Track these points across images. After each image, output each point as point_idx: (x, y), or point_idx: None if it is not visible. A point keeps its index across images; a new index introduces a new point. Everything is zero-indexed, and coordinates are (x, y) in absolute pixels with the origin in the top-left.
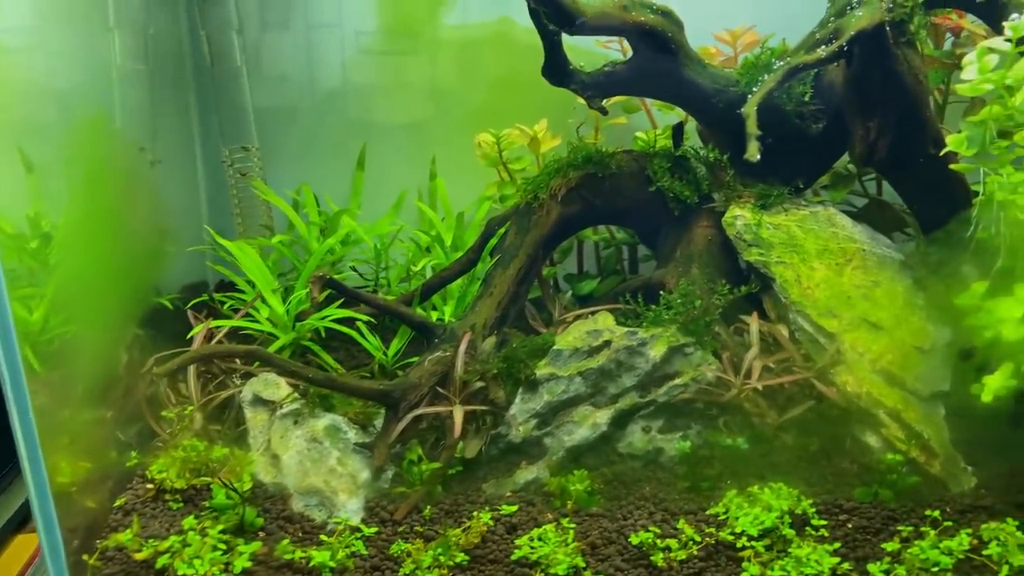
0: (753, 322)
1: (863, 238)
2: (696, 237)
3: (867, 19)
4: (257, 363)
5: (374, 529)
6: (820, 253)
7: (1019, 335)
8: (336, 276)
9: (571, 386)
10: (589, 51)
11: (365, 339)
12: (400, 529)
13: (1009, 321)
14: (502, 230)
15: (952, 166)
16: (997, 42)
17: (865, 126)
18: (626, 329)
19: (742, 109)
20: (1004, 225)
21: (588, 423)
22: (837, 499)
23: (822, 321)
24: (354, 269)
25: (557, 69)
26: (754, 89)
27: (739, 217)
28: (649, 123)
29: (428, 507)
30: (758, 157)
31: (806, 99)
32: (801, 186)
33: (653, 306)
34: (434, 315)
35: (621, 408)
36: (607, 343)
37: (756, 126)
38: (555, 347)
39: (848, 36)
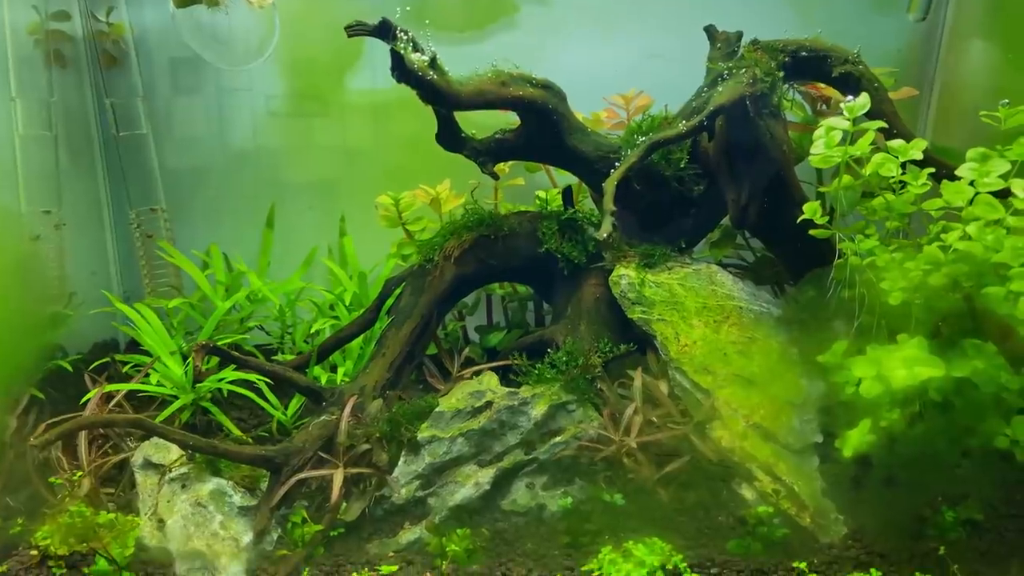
0: (637, 378)
1: (742, 295)
2: (585, 295)
3: (727, 95)
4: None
5: None
6: (699, 311)
7: (874, 392)
8: (243, 335)
9: (453, 447)
10: None
11: (264, 399)
12: None
13: (865, 379)
14: (398, 290)
15: (811, 231)
16: (837, 120)
17: (736, 192)
18: (508, 389)
19: (604, 184)
20: (860, 287)
21: (471, 482)
22: (711, 553)
23: (698, 377)
24: (261, 328)
25: (450, 137)
26: (616, 164)
27: (624, 276)
28: (550, 182)
29: (306, 569)
30: (605, 235)
31: (682, 165)
32: (684, 245)
33: (538, 364)
34: (339, 373)
35: (504, 467)
36: (489, 403)
37: (613, 202)
38: (437, 409)
39: (707, 112)
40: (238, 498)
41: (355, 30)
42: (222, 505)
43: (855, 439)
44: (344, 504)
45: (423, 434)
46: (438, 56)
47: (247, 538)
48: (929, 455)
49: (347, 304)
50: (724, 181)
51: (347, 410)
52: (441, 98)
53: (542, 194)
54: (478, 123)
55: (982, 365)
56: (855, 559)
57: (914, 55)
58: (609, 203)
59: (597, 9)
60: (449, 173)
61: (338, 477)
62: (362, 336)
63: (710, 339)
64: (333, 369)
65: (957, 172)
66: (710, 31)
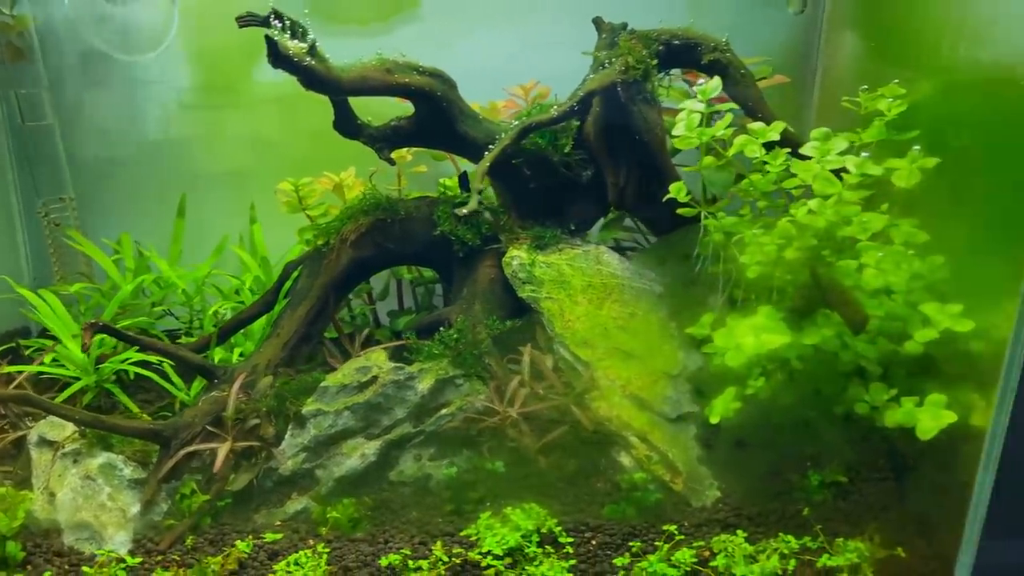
0: (526, 353)
1: (626, 274)
2: (480, 276)
3: (598, 81)
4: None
5: (138, 560)
6: (584, 289)
7: (738, 361)
8: (152, 320)
9: (339, 420)
10: None
11: (167, 380)
12: (158, 559)
13: (728, 349)
14: (296, 273)
15: (679, 211)
16: (693, 104)
17: (615, 174)
18: (394, 365)
19: (477, 166)
20: (723, 262)
21: (357, 454)
22: (586, 517)
23: (579, 351)
24: (170, 313)
25: (346, 124)
26: (490, 147)
27: (515, 257)
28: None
29: (191, 537)
30: (465, 212)
31: (566, 151)
32: (573, 228)
33: (427, 342)
34: (235, 353)
35: (391, 439)
36: (375, 378)
37: (480, 181)
38: (322, 384)
39: (577, 97)
40: (128, 471)
41: (246, 21)
42: (112, 478)
43: (720, 406)
44: (233, 476)
45: (308, 408)
46: (318, 43)
47: (135, 509)
48: (799, 422)
49: (250, 289)
50: (604, 164)
51: (236, 386)
52: (321, 84)
53: (445, 181)
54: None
55: (830, 333)
56: (723, 521)
57: (798, 46)
58: (477, 183)
59: (498, 5)
60: (355, 161)
61: (223, 449)
62: (266, 318)
63: (593, 315)
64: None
65: (802, 151)
66: (597, 22)
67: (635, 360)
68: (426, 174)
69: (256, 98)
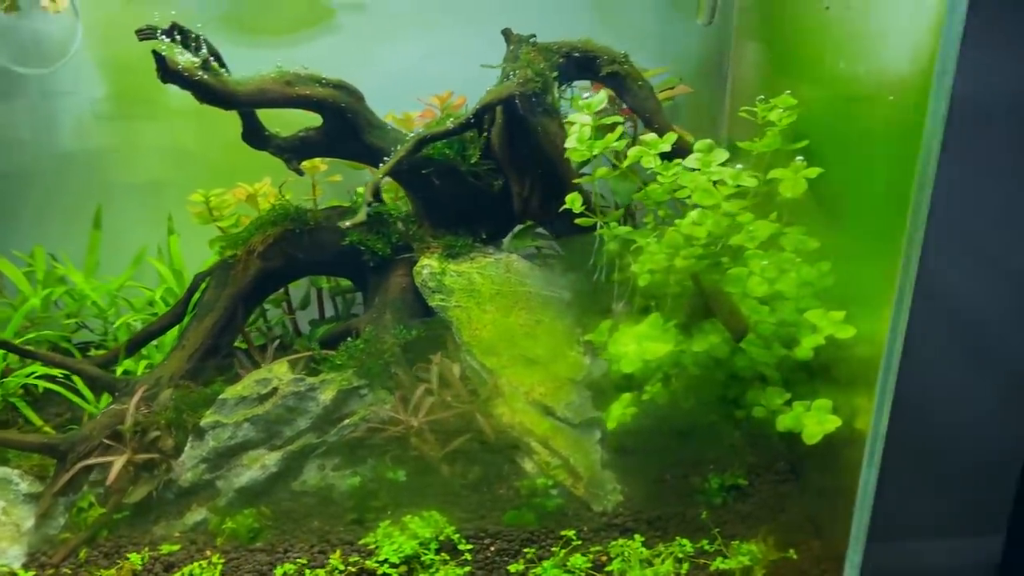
0: (435, 362)
1: (535, 282)
2: (392, 285)
3: (495, 94)
4: None
5: (31, 573)
6: (493, 297)
7: (633, 368)
8: (70, 332)
9: (239, 432)
10: None
11: (76, 394)
12: (50, 572)
13: (624, 356)
14: (204, 284)
15: (576, 221)
16: (581, 116)
17: (519, 184)
18: (294, 376)
19: (370, 178)
20: (618, 271)
21: (257, 465)
22: (486, 524)
23: (485, 359)
24: (85, 326)
25: (254, 135)
26: (385, 159)
27: (426, 266)
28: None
29: (84, 550)
30: (348, 224)
31: (472, 161)
32: (484, 237)
33: (331, 352)
34: (140, 365)
35: (293, 450)
36: (275, 390)
37: (372, 195)
38: (221, 396)
39: (474, 109)
40: (24, 486)
41: (145, 34)
42: (7, 492)
43: (616, 412)
44: (131, 488)
45: (207, 420)
46: (222, 56)
47: (29, 523)
48: (702, 426)
49: (163, 300)
50: (509, 175)
51: (135, 399)
52: (216, 98)
53: (359, 190)
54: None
55: (717, 340)
56: (622, 526)
57: (710, 56)
58: (368, 195)
59: (415, 13)
60: (275, 171)
61: (119, 462)
62: (177, 329)
63: (500, 323)
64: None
65: (685, 162)
66: (506, 33)
67: (539, 367)
68: (342, 184)
69: (173, 108)
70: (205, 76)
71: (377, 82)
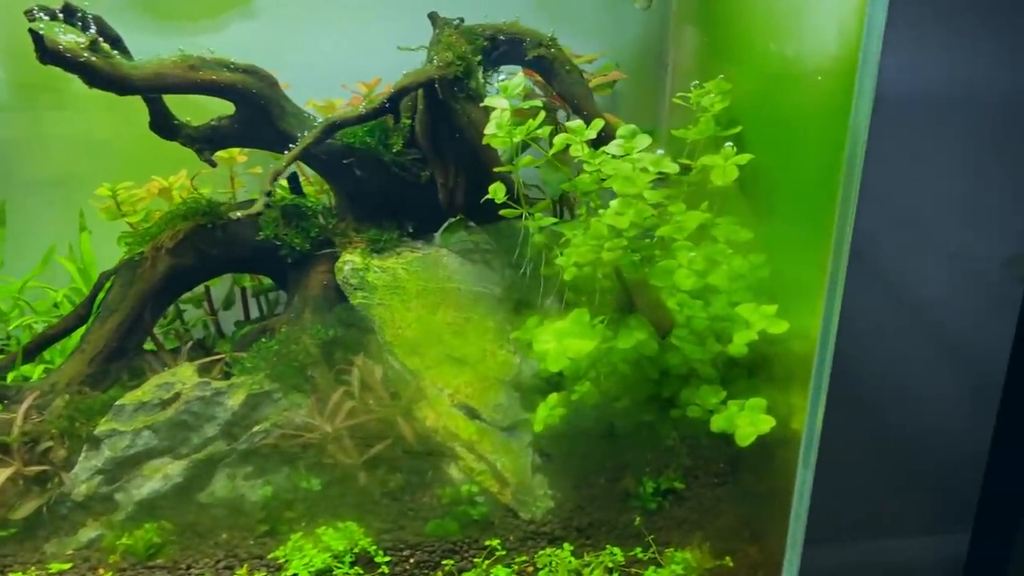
0: (356, 364)
1: (465, 277)
2: (312, 283)
3: (411, 77)
4: None
5: None
6: (419, 294)
7: (560, 366)
8: None
9: (138, 440)
10: None
11: None
12: None
13: (550, 354)
14: (108, 283)
15: (501, 212)
16: (498, 101)
17: (443, 174)
18: (200, 380)
19: (273, 167)
20: (545, 265)
21: (159, 475)
22: (406, 535)
23: (407, 359)
24: None
25: (163, 124)
26: (290, 146)
27: (348, 262)
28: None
29: None
30: (239, 215)
31: (394, 150)
32: (412, 230)
33: (243, 354)
34: (36, 371)
35: (199, 458)
36: (178, 395)
37: (271, 183)
38: (118, 402)
39: (388, 94)
40: None
41: (32, 15)
42: None
43: (543, 413)
44: (18, 503)
45: (102, 428)
46: (109, 42)
47: None
48: (638, 426)
49: (66, 301)
50: (433, 165)
51: (23, 407)
52: (106, 82)
53: (282, 182)
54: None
55: (643, 336)
56: (551, 534)
57: (649, 41)
58: (267, 184)
59: None
60: (193, 164)
61: (3, 475)
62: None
63: (425, 321)
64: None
65: (606, 149)
66: (432, 17)
67: (467, 367)
68: (264, 175)
69: (83, 97)
70: (92, 58)
71: (300, 69)
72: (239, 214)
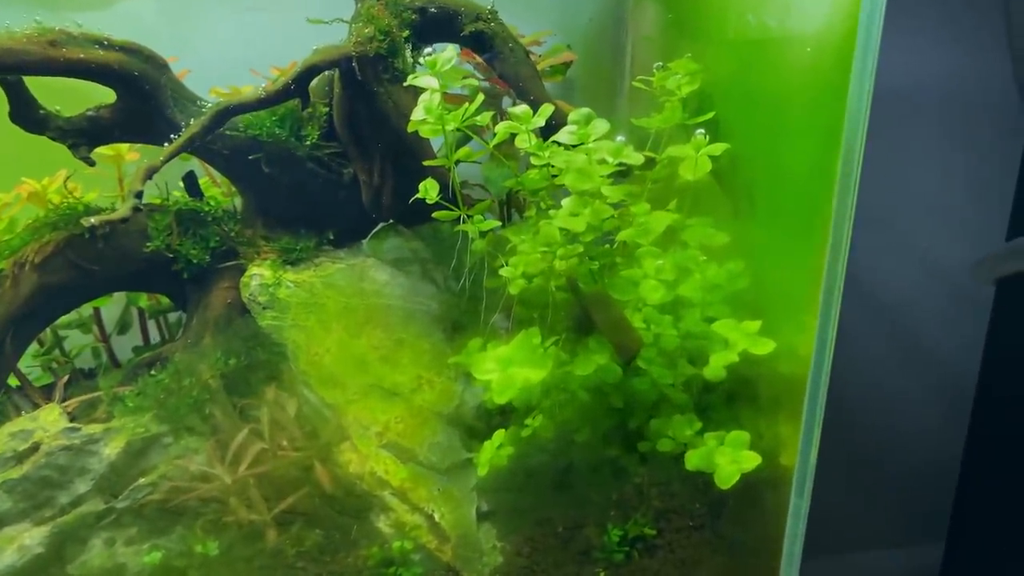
0: (266, 398)
1: (395, 292)
2: (214, 301)
3: (322, 55)
4: None
5: None
6: (341, 313)
7: (507, 398)
8: None
9: None
10: None
11: None
12: None
13: (494, 384)
14: None
15: (434, 214)
16: (425, 79)
17: (367, 171)
18: (67, 426)
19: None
20: (489, 277)
21: (13, 547)
22: None
23: (325, 392)
24: None
25: (26, 114)
26: (173, 137)
27: (256, 276)
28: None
29: None
30: (93, 221)
31: (308, 143)
32: (332, 237)
33: (123, 390)
34: None
35: (67, 522)
36: (37, 446)
37: (142, 182)
38: None
39: (295, 73)
40: None
41: None
42: None
43: (487, 454)
44: None
45: None
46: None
47: None
48: (600, 463)
49: None
50: (354, 159)
51: None
52: None
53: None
54: None
55: (604, 361)
56: None
57: (606, 21)
58: (137, 183)
59: None
60: (74, 163)
61: None
62: None
63: (347, 345)
64: None
65: (555, 137)
66: None
67: (399, 399)
68: (164, 175)
69: None
70: None
71: (203, 53)
72: (92, 220)
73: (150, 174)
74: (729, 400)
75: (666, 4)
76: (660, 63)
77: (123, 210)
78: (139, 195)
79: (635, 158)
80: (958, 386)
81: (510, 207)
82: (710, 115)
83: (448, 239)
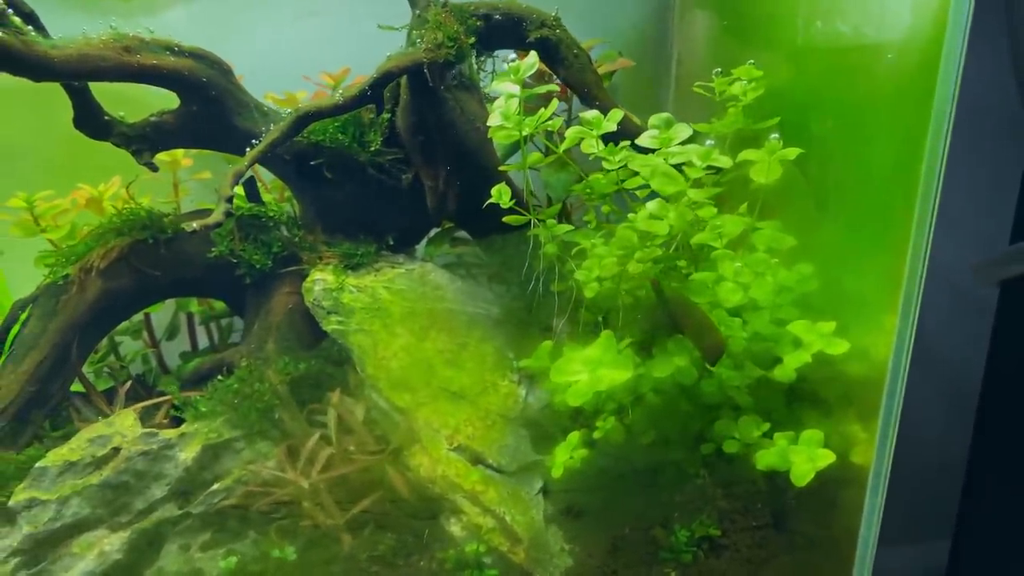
0: (332, 403)
1: (456, 296)
2: (276, 306)
3: (396, 61)
4: None
5: None
6: (405, 317)
7: (581, 400)
8: None
9: (66, 510)
10: None
11: None
12: None
13: (574, 387)
14: (24, 315)
15: (505, 219)
16: (507, 86)
17: (432, 176)
18: (144, 431)
19: (232, 168)
20: (558, 280)
21: (94, 552)
22: None
23: (395, 396)
24: None
25: (91, 120)
26: (255, 142)
27: (319, 281)
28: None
29: None
30: (195, 226)
31: (372, 149)
32: (392, 243)
33: (196, 395)
34: None
35: (144, 527)
36: (116, 450)
37: (232, 187)
38: (39, 464)
39: (370, 79)
40: None
41: None
42: None
43: (562, 456)
44: None
45: (18, 498)
46: (22, 18)
47: None
48: (664, 465)
49: None
50: (418, 165)
51: None
52: (19, 64)
53: (238, 190)
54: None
55: (684, 362)
56: None
57: (651, 29)
58: (227, 188)
59: None
60: (126, 169)
61: None
62: None
63: (414, 349)
64: None
65: (638, 142)
66: None
67: (465, 402)
68: (213, 182)
69: None
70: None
71: (253, 59)
72: (196, 225)
73: (238, 179)
74: (792, 402)
75: (717, 11)
76: (719, 69)
77: (217, 214)
78: (230, 200)
79: (724, 161)
80: (963, 387)
81: (563, 213)
82: (775, 120)
83: (510, 243)
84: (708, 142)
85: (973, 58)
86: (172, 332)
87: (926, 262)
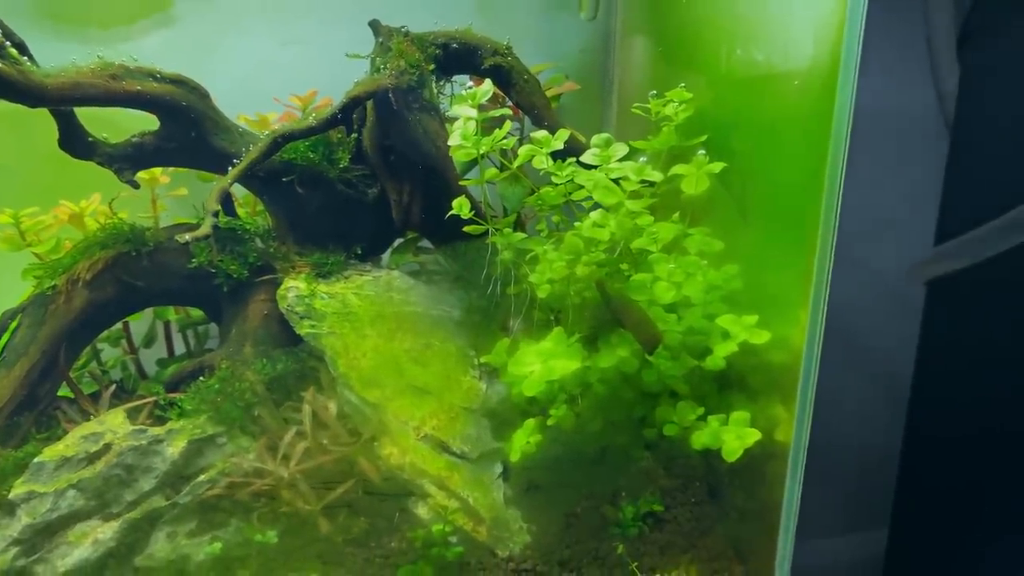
0: (307, 400)
1: (421, 300)
2: (252, 313)
3: (363, 87)
4: None
5: None
6: (374, 320)
7: (536, 391)
8: None
9: (62, 502)
10: None
11: None
12: None
13: (528, 378)
14: (13, 324)
15: (464, 228)
16: (465, 109)
17: (396, 190)
18: (133, 428)
19: (214, 186)
20: (514, 283)
21: (88, 541)
22: None
23: (365, 392)
24: None
25: (75, 141)
26: (235, 162)
27: (292, 288)
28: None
29: None
30: (187, 238)
31: (340, 166)
32: (360, 252)
33: (177, 395)
34: None
35: (134, 517)
36: (108, 446)
37: (217, 201)
38: (37, 460)
39: (339, 104)
40: None
41: None
42: None
43: (520, 441)
44: None
45: (17, 491)
46: (13, 47)
47: None
48: (611, 449)
49: None
50: (384, 180)
51: None
52: (16, 92)
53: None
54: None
55: (626, 353)
56: (532, 570)
57: (594, 53)
58: (212, 203)
59: (269, 3)
60: (106, 187)
61: None
62: None
63: (382, 349)
64: None
65: (581, 158)
66: (374, 25)
67: (431, 396)
68: (189, 198)
69: None
70: None
71: (224, 82)
72: (188, 237)
73: (223, 195)
74: (722, 388)
75: (654, 38)
76: (654, 91)
77: (205, 227)
78: (216, 214)
79: (656, 175)
80: (895, 381)
81: (517, 223)
82: (703, 138)
83: (468, 251)
84: (642, 159)
85: (864, 81)
86: (150, 340)
87: (831, 260)
